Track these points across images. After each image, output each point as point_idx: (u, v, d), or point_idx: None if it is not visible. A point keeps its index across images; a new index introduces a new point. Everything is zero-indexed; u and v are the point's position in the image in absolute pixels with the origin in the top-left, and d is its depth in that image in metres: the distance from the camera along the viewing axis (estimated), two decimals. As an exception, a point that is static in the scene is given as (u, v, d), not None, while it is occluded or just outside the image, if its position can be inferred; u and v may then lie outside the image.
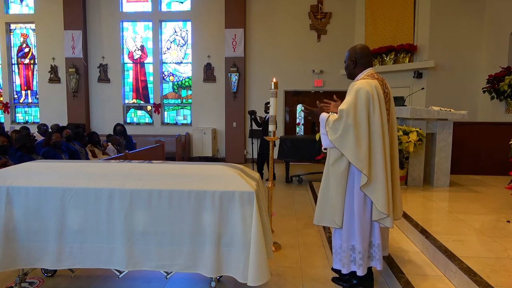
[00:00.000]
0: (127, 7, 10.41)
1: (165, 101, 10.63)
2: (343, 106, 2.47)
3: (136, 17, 10.40)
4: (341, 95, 2.61)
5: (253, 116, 6.89)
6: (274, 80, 3.72)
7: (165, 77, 10.61)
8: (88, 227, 2.50)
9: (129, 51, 10.57)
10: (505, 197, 4.42)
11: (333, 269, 2.81)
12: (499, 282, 2.26)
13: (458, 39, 7.89)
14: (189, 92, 10.51)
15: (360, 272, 2.53)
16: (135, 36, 10.53)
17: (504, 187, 4.17)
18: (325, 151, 3.07)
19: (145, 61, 10.56)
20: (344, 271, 2.58)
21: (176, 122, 10.65)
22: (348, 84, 2.66)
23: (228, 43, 9.77)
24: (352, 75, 2.70)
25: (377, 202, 2.44)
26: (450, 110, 5.00)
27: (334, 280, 2.85)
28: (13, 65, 10.89)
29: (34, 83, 10.91)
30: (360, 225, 2.49)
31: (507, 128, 6.08)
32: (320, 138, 6.44)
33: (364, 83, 2.48)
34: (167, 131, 10.27)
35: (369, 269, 2.63)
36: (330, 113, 2.61)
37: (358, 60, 2.63)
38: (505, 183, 4.25)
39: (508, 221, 3.51)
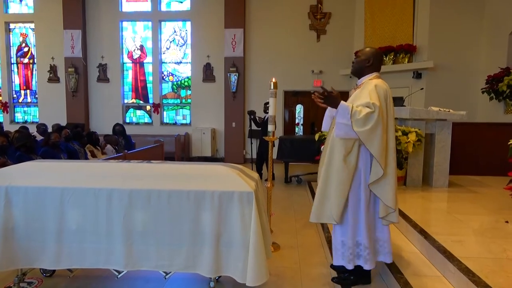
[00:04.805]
0: (127, 7, 10.41)
1: (164, 101, 10.62)
2: (373, 100, 2.43)
3: (135, 16, 10.39)
4: (341, 95, 2.59)
5: (252, 116, 6.89)
6: (274, 80, 3.71)
7: (164, 77, 10.60)
8: (87, 227, 2.49)
9: (129, 51, 10.56)
10: (504, 197, 4.42)
11: (332, 267, 2.82)
12: (497, 283, 2.26)
13: (458, 39, 7.89)
14: (189, 92, 10.51)
15: (368, 266, 2.57)
16: (134, 35, 10.52)
17: (503, 187, 4.17)
18: (324, 150, 3.06)
19: (144, 61, 10.55)
20: (349, 267, 2.59)
21: (176, 122, 10.65)
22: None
23: (227, 43, 9.76)
24: (360, 73, 2.69)
25: (386, 197, 2.49)
26: (449, 111, 5.01)
27: (334, 280, 2.86)
28: (12, 65, 10.88)
29: (33, 82, 10.90)
30: (366, 221, 2.54)
31: (506, 128, 6.07)
32: (319, 138, 6.37)
33: (380, 82, 2.56)
34: (166, 131, 10.26)
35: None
36: (353, 104, 2.48)
37: (374, 62, 2.65)
38: (504, 183, 4.24)
39: (507, 222, 3.51)
